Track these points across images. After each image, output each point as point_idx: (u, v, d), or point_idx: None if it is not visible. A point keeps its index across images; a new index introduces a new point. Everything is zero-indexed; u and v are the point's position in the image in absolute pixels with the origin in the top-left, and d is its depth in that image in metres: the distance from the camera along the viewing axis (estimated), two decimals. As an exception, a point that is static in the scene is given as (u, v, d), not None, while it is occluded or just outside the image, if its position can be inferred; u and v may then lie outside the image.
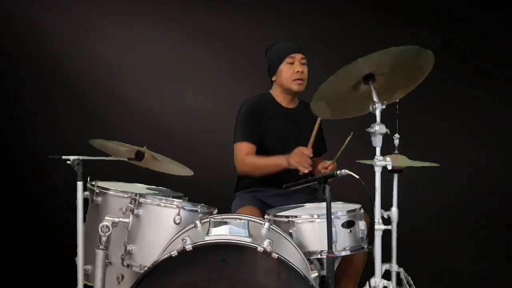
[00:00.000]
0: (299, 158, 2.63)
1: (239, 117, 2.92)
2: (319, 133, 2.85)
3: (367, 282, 2.39)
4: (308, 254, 2.31)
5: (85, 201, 2.49)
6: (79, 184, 2.41)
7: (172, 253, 1.96)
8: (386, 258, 2.54)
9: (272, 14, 4.01)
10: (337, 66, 2.24)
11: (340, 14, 4.00)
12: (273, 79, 2.98)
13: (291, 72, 2.88)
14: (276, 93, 3.00)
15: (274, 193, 2.86)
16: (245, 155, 2.84)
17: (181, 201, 2.40)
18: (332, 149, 2.98)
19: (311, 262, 2.28)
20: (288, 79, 2.89)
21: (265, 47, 3.01)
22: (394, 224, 2.59)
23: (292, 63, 2.88)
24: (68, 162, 2.40)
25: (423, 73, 2.42)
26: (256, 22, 3.99)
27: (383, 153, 2.32)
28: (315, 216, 2.35)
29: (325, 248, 2.07)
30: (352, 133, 2.51)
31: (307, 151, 2.65)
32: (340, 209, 2.39)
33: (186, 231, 2.26)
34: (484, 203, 3.81)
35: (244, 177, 2.94)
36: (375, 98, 2.30)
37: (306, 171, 2.64)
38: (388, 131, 2.30)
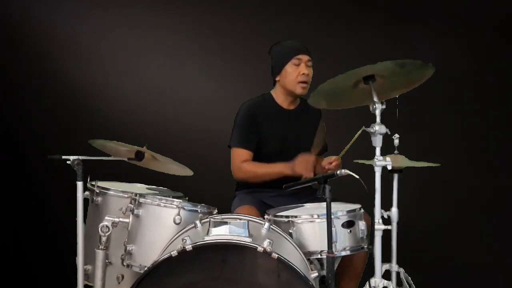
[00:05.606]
0: (304, 165, 2.65)
1: (236, 121, 2.86)
2: (321, 134, 2.84)
3: (367, 282, 2.39)
4: (308, 254, 2.31)
5: (85, 201, 2.49)
6: (79, 184, 2.41)
7: (172, 253, 1.97)
8: (386, 258, 2.54)
9: (274, 13, 4.01)
10: (337, 65, 2.24)
11: (340, 13, 4.00)
12: (277, 79, 2.88)
13: (296, 74, 2.79)
14: (277, 93, 2.92)
15: (274, 193, 2.86)
16: (241, 162, 2.81)
17: (181, 201, 2.40)
18: (332, 147, 2.98)
19: (311, 262, 2.28)
20: (292, 81, 2.80)
21: (268, 46, 2.93)
22: (394, 224, 2.58)
23: (298, 65, 2.78)
24: (68, 162, 2.40)
25: (423, 78, 2.43)
26: (258, 21, 3.98)
27: (383, 153, 2.32)
28: (315, 216, 2.34)
29: (325, 248, 2.07)
30: (363, 127, 2.35)
31: (310, 157, 2.65)
32: (340, 209, 2.39)
33: (186, 231, 2.26)
34: (485, 203, 3.80)
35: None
36: (375, 98, 2.30)
37: (312, 175, 2.64)
38: (388, 131, 2.31)
